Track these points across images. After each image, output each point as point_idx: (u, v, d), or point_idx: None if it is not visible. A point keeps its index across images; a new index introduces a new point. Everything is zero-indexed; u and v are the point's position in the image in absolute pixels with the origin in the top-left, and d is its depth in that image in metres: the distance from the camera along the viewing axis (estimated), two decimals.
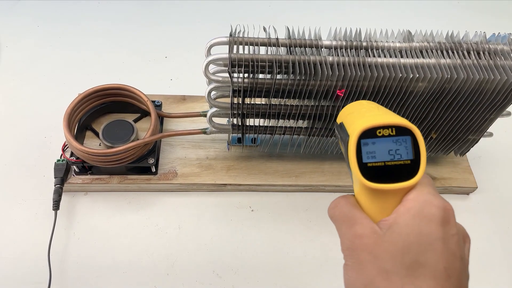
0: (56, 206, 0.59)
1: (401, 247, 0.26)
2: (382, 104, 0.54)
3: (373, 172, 0.27)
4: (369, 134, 0.27)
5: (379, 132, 0.27)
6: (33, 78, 0.79)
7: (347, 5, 1.02)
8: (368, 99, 0.53)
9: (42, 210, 0.61)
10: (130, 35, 0.89)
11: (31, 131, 0.70)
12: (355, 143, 0.27)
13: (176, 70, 0.83)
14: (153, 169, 0.63)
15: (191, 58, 0.85)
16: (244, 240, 0.61)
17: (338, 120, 0.33)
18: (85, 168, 0.62)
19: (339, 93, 0.51)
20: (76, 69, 0.81)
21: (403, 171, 0.27)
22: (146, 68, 0.83)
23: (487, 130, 0.61)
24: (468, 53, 0.53)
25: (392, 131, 0.27)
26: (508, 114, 0.60)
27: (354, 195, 0.31)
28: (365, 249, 0.27)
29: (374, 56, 0.51)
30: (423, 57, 0.51)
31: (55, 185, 0.60)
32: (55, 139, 0.69)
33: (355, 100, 0.53)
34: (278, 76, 0.52)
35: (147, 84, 0.67)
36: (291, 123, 0.59)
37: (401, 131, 0.27)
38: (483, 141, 0.65)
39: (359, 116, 0.30)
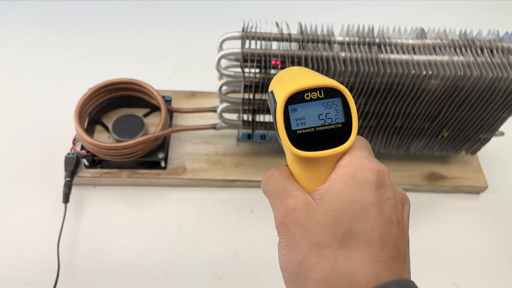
0: (66, 199, 0.59)
1: (333, 218, 0.24)
2: (394, 102, 0.54)
3: (303, 140, 0.26)
4: (296, 99, 0.26)
5: (307, 96, 0.26)
6: (31, 78, 0.78)
7: (359, 3, 1.01)
8: (380, 96, 0.53)
9: (41, 210, 0.61)
10: (129, 35, 0.88)
11: (29, 131, 0.69)
12: (282, 110, 0.26)
13: (175, 70, 0.82)
14: (163, 164, 0.63)
15: (190, 57, 0.84)
16: (243, 241, 0.61)
17: (269, 89, 0.30)
18: (95, 162, 0.63)
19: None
20: (74, 69, 0.80)
21: (335, 136, 0.26)
22: (145, 67, 0.82)
23: (499, 129, 0.61)
24: (481, 51, 0.52)
25: (320, 94, 0.26)
26: None
27: (287, 166, 0.29)
28: (297, 224, 0.25)
29: (387, 52, 0.51)
30: (436, 54, 0.51)
31: (65, 178, 0.60)
32: (53, 139, 0.68)
33: (367, 96, 0.53)
34: None
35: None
36: None
37: (330, 93, 0.26)
38: (494, 140, 0.65)
39: (287, 81, 0.28)
